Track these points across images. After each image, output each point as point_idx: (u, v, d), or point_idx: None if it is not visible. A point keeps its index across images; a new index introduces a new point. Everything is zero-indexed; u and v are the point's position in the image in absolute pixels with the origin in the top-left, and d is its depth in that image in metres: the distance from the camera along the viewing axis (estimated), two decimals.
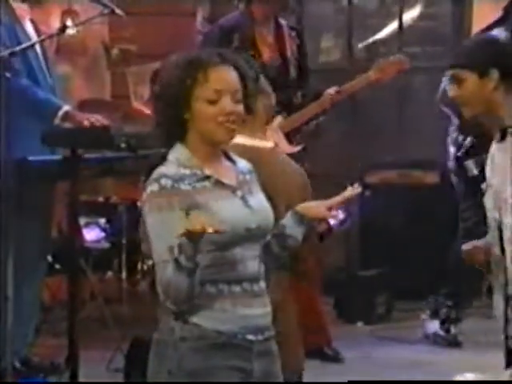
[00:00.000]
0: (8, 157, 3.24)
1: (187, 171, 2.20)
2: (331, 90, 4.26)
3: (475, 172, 4.33)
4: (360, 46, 6.29)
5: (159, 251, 2.16)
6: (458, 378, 3.27)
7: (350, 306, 5.15)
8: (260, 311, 2.23)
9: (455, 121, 4.51)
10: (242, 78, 2.24)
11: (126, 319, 4.66)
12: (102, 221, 4.99)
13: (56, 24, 4.98)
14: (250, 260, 2.22)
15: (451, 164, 4.53)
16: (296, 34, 4.46)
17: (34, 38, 3.81)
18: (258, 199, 2.28)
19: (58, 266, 4.59)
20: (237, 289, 2.18)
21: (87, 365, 3.59)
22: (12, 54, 3.30)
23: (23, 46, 3.57)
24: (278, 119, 4.19)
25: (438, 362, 4.33)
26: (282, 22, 4.44)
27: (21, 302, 3.77)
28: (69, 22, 3.88)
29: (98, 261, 4.86)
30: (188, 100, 2.20)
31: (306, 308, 3.65)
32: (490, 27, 4.49)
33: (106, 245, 4.98)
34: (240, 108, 2.23)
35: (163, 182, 2.16)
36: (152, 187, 2.17)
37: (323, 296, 4.63)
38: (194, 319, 2.17)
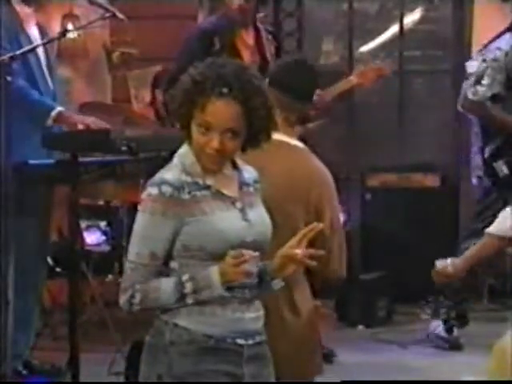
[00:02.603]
0: (8, 160, 3.23)
1: (189, 179, 2.20)
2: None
3: (506, 172, 4.43)
4: (360, 49, 6.30)
5: (140, 253, 2.17)
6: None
7: (350, 309, 5.15)
8: (251, 315, 2.23)
9: (477, 125, 4.58)
10: (248, 114, 2.18)
11: (126, 322, 4.66)
12: (103, 224, 4.99)
13: (57, 28, 5.00)
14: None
15: (478, 165, 4.57)
16: (273, 37, 4.51)
17: (38, 42, 3.80)
18: (258, 213, 2.27)
19: (58, 270, 4.59)
20: (227, 294, 2.18)
21: (88, 368, 3.58)
22: (12, 58, 3.30)
23: (23, 49, 3.56)
24: None
25: (439, 365, 4.33)
26: (260, 25, 4.47)
27: (23, 305, 3.77)
28: (70, 26, 3.88)
29: (98, 264, 4.86)
30: (190, 115, 2.20)
31: None
32: (501, 33, 4.53)
33: (106, 248, 4.98)
34: (231, 145, 2.19)
35: (164, 188, 2.17)
36: (152, 190, 2.18)
37: (323, 299, 4.63)
38: (184, 323, 2.17)
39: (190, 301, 2.14)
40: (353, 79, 4.43)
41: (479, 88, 4.45)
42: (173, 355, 2.16)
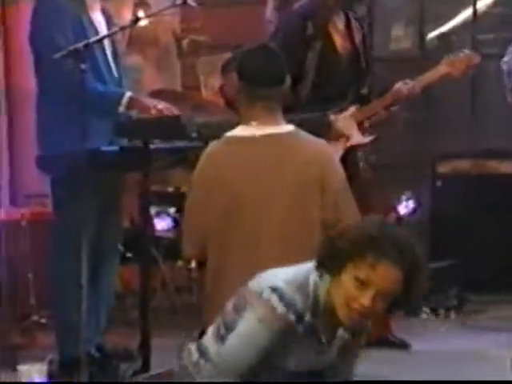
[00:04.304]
0: (82, 147, 3.27)
1: (309, 316, 2.20)
2: (401, 84, 4.22)
3: None
4: (431, 34, 6.19)
5: (241, 357, 2.17)
6: None
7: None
8: None
9: None
10: (407, 286, 2.16)
11: (196, 308, 4.69)
12: (172, 210, 5.04)
13: (128, 15, 5.04)
14: None
15: None
16: (360, 25, 4.43)
17: (103, 29, 3.80)
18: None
19: (130, 255, 4.65)
20: None
21: (159, 352, 3.62)
22: (86, 46, 3.32)
23: (96, 38, 3.58)
24: (352, 109, 4.17)
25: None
26: (349, 11, 4.39)
27: (98, 290, 3.83)
28: (141, 14, 3.89)
29: (168, 250, 4.91)
30: (345, 264, 2.16)
31: None
32: None
33: (176, 234, 5.01)
34: (379, 306, 2.15)
35: (290, 313, 2.16)
36: (271, 297, 2.17)
37: None
38: None
39: None
40: (441, 68, 4.26)
41: None
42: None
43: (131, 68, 4.38)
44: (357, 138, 4.10)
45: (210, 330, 2.33)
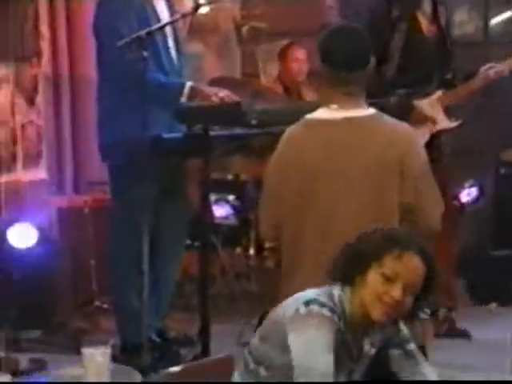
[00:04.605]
0: (143, 134, 3.30)
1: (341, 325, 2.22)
2: (487, 68, 4.14)
3: None
4: (495, 19, 6.07)
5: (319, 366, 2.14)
6: None
7: (483, 287, 5.01)
8: None
9: None
10: (427, 280, 2.20)
11: (254, 295, 4.70)
12: (232, 197, 5.04)
13: (189, 3, 5.05)
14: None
15: None
16: (445, 10, 4.34)
17: (165, 17, 3.80)
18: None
19: (189, 242, 4.68)
20: None
21: (218, 338, 3.64)
22: (149, 34, 3.34)
23: (158, 25, 3.60)
24: (438, 94, 4.12)
25: None
26: None
27: (159, 276, 3.86)
28: (202, 1, 3.89)
29: (227, 237, 4.92)
30: (370, 264, 2.20)
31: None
32: None
33: (234, 221, 5.03)
34: (408, 301, 2.18)
35: (324, 311, 2.18)
36: (310, 307, 2.18)
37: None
38: None
39: None
40: None
41: None
42: None
43: (192, 56, 4.39)
44: (444, 122, 4.06)
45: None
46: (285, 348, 2.19)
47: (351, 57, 2.69)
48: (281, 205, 2.76)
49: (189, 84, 3.72)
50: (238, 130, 3.59)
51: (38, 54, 4.88)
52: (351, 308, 2.22)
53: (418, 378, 2.30)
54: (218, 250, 4.84)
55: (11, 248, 4.29)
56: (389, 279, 2.16)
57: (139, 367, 2.89)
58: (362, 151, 2.68)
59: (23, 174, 4.81)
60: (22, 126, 4.80)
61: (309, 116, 2.80)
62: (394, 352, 2.32)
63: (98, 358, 2.40)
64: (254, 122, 3.28)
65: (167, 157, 3.64)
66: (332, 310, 2.18)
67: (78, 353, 2.37)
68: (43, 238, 4.37)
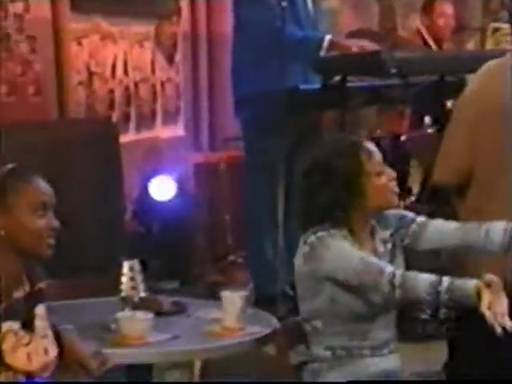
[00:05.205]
0: (279, 86, 3.30)
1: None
2: None
3: None
4: None
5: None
6: None
7: None
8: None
9: None
10: None
11: None
12: None
13: None
14: (382, 329, 2.27)
15: None
16: None
17: None
18: (399, 264, 2.33)
19: None
20: (367, 352, 2.27)
21: None
22: None
23: None
24: None
25: None
26: None
27: (293, 229, 3.87)
28: None
29: None
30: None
31: None
32: None
33: None
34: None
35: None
36: (321, 234, 2.28)
37: None
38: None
39: (444, 299, 2.13)
40: None
41: None
42: None
43: (328, 10, 4.35)
44: None
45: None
46: (318, 290, 2.27)
47: None
48: (470, 146, 2.60)
49: (328, 37, 3.70)
50: (375, 82, 3.54)
51: (178, 12, 4.96)
52: (351, 222, 2.29)
53: (447, 234, 2.33)
54: None
55: (152, 201, 4.42)
56: (378, 174, 2.28)
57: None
58: None
59: (162, 131, 4.92)
60: (162, 84, 4.91)
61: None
62: (410, 233, 2.35)
63: (237, 300, 2.44)
64: (393, 71, 3.22)
65: (303, 109, 3.63)
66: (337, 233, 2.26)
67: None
68: (181, 192, 4.48)
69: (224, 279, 4.58)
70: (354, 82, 3.53)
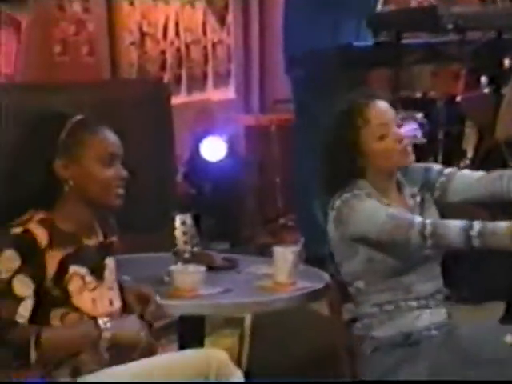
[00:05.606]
0: (332, 43, 3.26)
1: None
2: None
3: None
4: None
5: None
6: None
7: None
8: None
9: None
10: None
11: None
12: (420, 116, 4.91)
13: None
14: (425, 281, 2.25)
15: None
16: None
17: None
18: (431, 217, 2.28)
19: None
20: (414, 304, 2.25)
21: None
22: None
23: None
24: None
25: None
26: None
27: None
28: None
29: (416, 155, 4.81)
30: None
31: None
32: None
33: (422, 140, 4.91)
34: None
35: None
36: (346, 196, 2.26)
37: None
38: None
39: (476, 243, 2.09)
40: None
41: None
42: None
43: None
44: None
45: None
46: (353, 252, 2.26)
47: None
48: None
49: None
50: (430, 39, 3.47)
51: None
52: (373, 181, 2.26)
53: (472, 184, 2.30)
54: None
55: (203, 161, 4.43)
56: (380, 137, 2.22)
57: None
58: None
59: (213, 93, 4.91)
60: (213, 46, 4.89)
61: None
62: (438, 184, 2.32)
63: (288, 256, 2.43)
64: (450, 26, 3.15)
65: (356, 66, 3.59)
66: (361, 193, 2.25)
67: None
68: (232, 153, 4.48)
69: (274, 241, 4.59)
70: (408, 38, 3.47)
